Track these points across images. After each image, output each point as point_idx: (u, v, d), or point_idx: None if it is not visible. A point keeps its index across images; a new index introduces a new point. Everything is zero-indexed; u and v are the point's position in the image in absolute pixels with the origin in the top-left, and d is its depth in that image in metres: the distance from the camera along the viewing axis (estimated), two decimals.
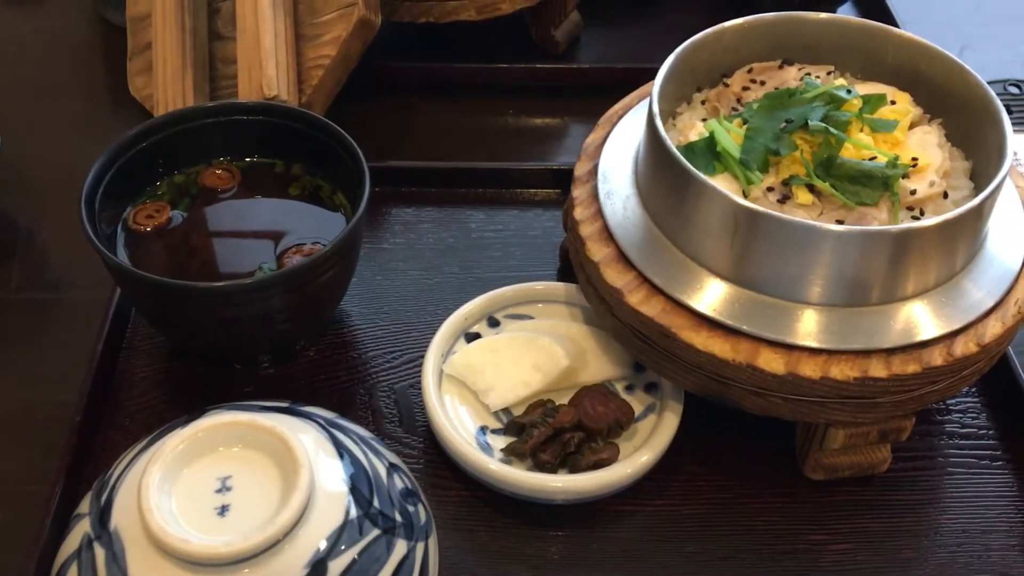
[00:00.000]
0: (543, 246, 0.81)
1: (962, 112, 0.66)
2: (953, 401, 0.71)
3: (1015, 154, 0.89)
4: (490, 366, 0.67)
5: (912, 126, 0.67)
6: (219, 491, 0.54)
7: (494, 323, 0.72)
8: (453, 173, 0.86)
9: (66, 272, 0.79)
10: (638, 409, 0.67)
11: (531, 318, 0.72)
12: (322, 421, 0.60)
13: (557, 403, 0.66)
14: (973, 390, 0.71)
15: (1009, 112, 0.92)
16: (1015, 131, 0.92)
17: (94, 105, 0.95)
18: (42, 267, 0.80)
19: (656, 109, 0.63)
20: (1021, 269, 0.62)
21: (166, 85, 0.84)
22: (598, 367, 0.69)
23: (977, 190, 0.64)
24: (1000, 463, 0.67)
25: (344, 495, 0.56)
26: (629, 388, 0.68)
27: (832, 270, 0.58)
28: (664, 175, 0.62)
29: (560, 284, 0.73)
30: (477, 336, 0.71)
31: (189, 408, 0.61)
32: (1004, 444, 0.68)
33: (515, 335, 0.69)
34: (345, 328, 0.75)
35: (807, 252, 0.57)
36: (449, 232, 0.82)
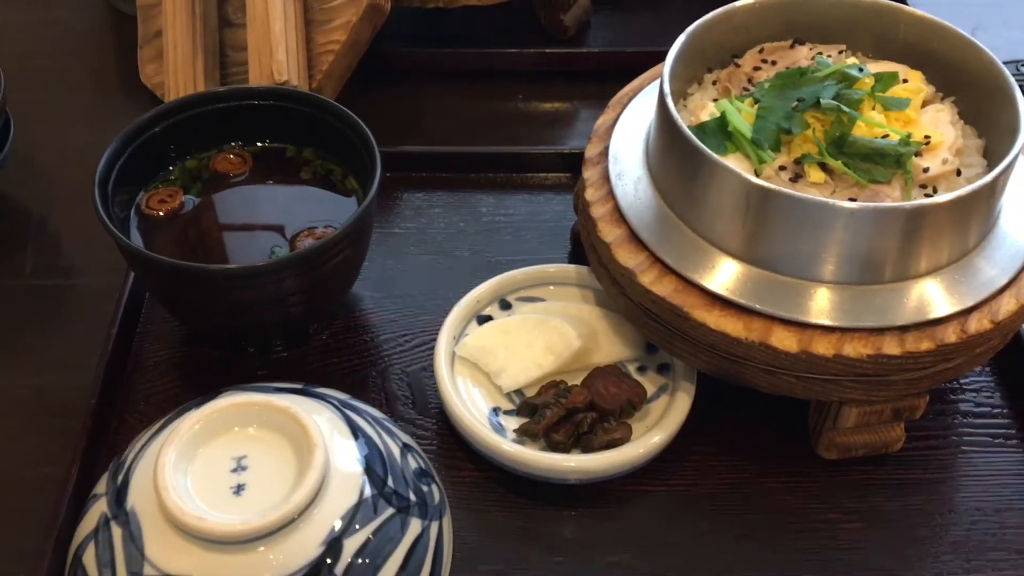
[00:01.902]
0: (554, 230, 0.81)
1: (975, 90, 0.66)
2: (967, 380, 0.71)
3: None
4: (502, 348, 0.67)
5: (925, 104, 0.67)
6: (234, 470, 0.54)
7: (506, 306, 0.72)
8: (463, 158, 0.86)
9: (79, 259, 0.80)
10: (650, 390, 0.67)
11: (543, 300, 0.72)
12: (336, 402, 0.61)
13: (569, 384, 0.66)
14: (987, 369, 0.71)
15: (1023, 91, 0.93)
16: None
17: (105, 94, 0.95)
18: (55, 254, 0.81)
19: (667, 88, 0.63)
20: None
21: (176, 72, 0.84)
22: (610, 348, 0.69)
23: (990, 168, 0.64)
24: (1015, 441, 0.67)
25: (358, 475, 0.56)
26: (641, 369, 0.69)
27: (845, 248, 0.58)
28: (675, 155, 0.62)
29: (571, 266, 0.73)
30: (489, 319, 0.71)
31: (203, 391, 0.62)
32: (1018, 423, 0.68)
33: (527, 317, 0.69)
34: (357, 312, 0.75)
35: (820, 230, 0.57)
36: (460, 216, 0.82)
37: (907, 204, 0.56)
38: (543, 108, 0.95)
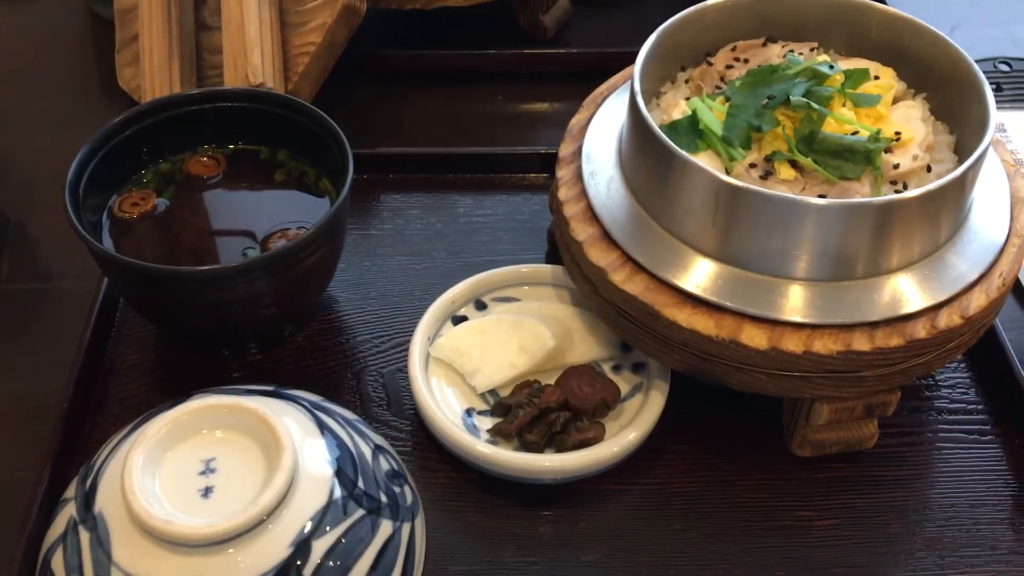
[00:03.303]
0: (531, 230, 0.81)
1: (946, 86, 0.66)
2: (941, 376, 0.71)
3: (1003, 128, 0.89)
4: (476, 348, 0.67)
5: (896, 101, 0.67)
6: (203, 473, 0.54)
7: (481, 306, 0.72)
8: (441, 158, 0.86)
9: (55, 263, 0.80)
10: (625, 389, 0.67)
11: (518, 300, 0.72)
12: (307, 404, 0.60)
13: (544, 384, 0.66)
14: (961, 365, 0.71)
15: (999, 89, 0.93)
16: (1007, 107, 0.93)
17: (83, 98, 0.95)
18: (32, 258, 0.81)
19: (638, 87, 0.63)
20: (1006, 242, 0.62)
21: (153, 75, 0.84)
22: (585, 348, 0.69)
23: (961, 163, 0.64)
24: (989, 438, 0.67)
25: (328, 476, 0.56)
26: (616, 368, 0.68)
27: (815, 244, 0.58)
28: (647, 154, 0.62)
29: (546, 266, 0.73)
30: (464, 319, 0.71)
31: (177, 394, 0.61)
32: (993, 419, 0.68)
33: (502, 317, 0.69)
34: (333, 314, 0.75)
35: (789, 227, 0.57)
36: (437, 217, 0.82)
37: (875, 200, 0.56)
38: (522, 109, 0.95)
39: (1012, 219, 0.64)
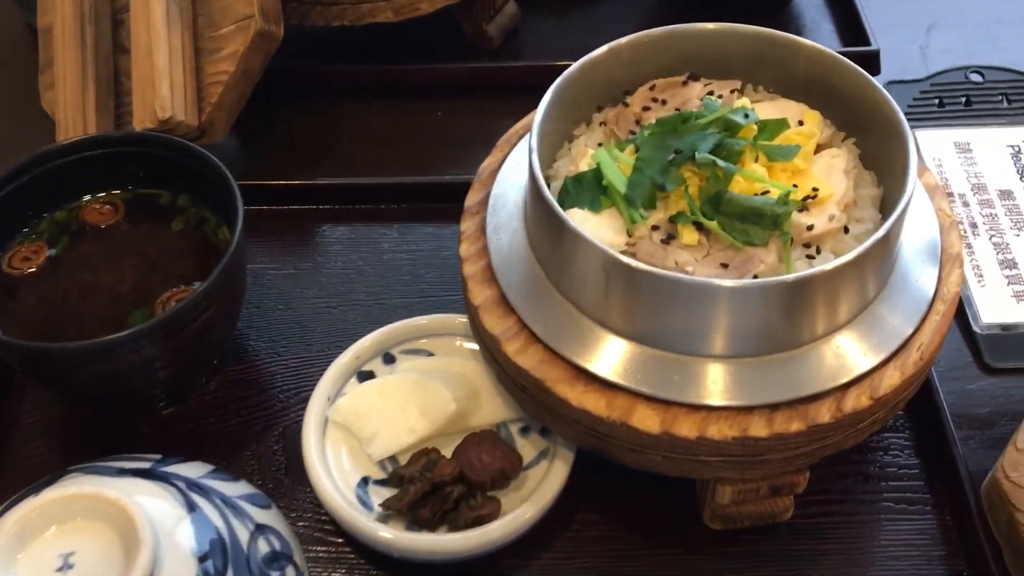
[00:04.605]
0: (456, 267, 0.77)
1: (873, 131, 0.61)
2: (874, 437, 0.67)
3: (968, 148, 0.83)
4: (376, 411, 0.64)
5: (821, 148, 0.62)
6: (60, 569, 0.52)
7: (389, 359, 0.69)
8: (366, 189, 0.82)
9: None
10: (530, 455, 0.64)
11: (428, 354, 0.69)
12: (183, 484, 0.58)
13: (444, 450, 0.63)
14: (898, 423, 0.67)
15: (968, 103, 0.87)
16: (974, 124, 0.87)
17: (8, 118, 0.93)
18: None
19: (535, 144, 0.59)
20: (929, 308, 0.58)
21: (66, 104, 0.80)
22: (491, 409, 0.65)
23: (885, 220, 0.59)
24: (918, 507, 0.63)
25: (192, 567, 0.53)
26: (524, 431, 0.65)
27: (709, 323, 0.54)
28: (542, 217, 0.58)
29: (457, 317, 0.69)
30: (371, 375, 0.68)
31: (76, 456, 0.60)
32: (927, 485, 0.64)
33: (404, 377, 0.66)
34: (245, 363, 0.72)
35: (682, 305, 0.53)
36: (359, 253, 0.79)
37: (760, 282, 0.52)
38: (466, 127, 0.91)
39: (940, 280, 0.59)
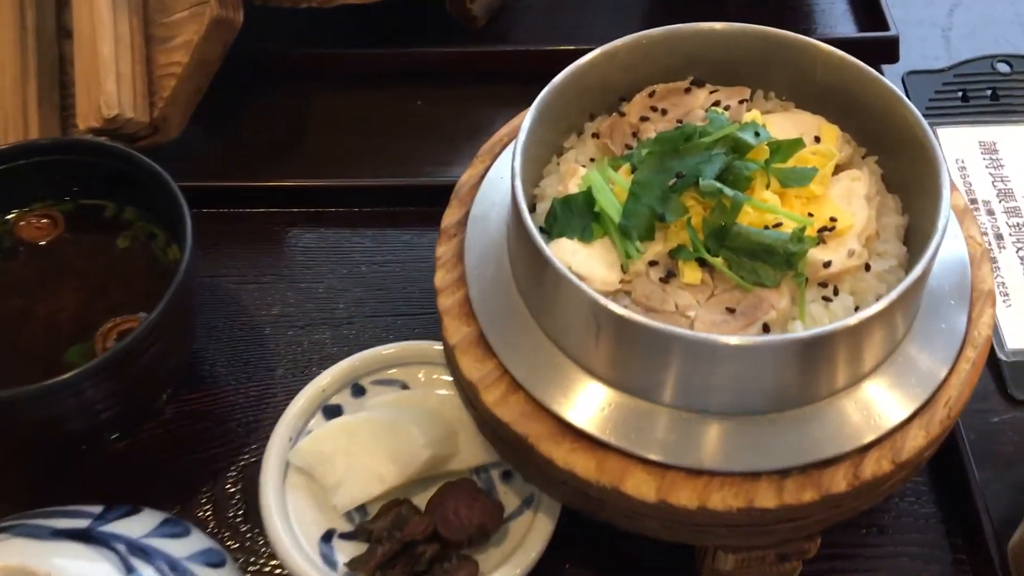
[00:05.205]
0: None
1: (898, 150, 0.54)
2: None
3: (994, 149, 0.76)
4: (341, 455, 0.58)
5: (840, 169, 0.55)
6: None
7: (359, 391, 0.63)
8: (336, 192, 0.75)
9: None
10: (512, 503, 0.58)
11: (403, 384, 0.63)
12: (124, 547, 0.52)
13: (417, 499, 0.57)
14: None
15: (995, 97, 0.80)
16: (1002, 121, 0.80)
17: None
18: None
19: (519, 167, 0.52)
20: (958, 355, 0.51)
21: (4, 97, 0.73)
22: (470, 452, 0.59)
23: (912, 254, 0.53)
24: (937, 566, 0.58)
25: None
26: (506, 476, 0.59)
27: (708, 380, 0.48)
28: (526, 249, 0.52)
29: (434, 344, 0.63)
30: (337, 409, 0.62)
31: (13, 495, 0.55)
32: (947, 540, 0.59)
33: (374, 417, 0.60)
34: (201, 392, 0.66)
35: (678, 360, 0.47)
36: (329, 265, 0.72)
37: (778, 339, 0.46)
38: (447, 116, 0.83)
39: (969, 321, 0.53)
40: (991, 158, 0.75)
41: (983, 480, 0.60)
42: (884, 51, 0.81)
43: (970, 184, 0.74)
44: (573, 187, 0.55)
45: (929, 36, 0.87)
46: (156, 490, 0.61)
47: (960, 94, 0.79)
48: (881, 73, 0.55)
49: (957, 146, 0.76)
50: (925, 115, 0.51)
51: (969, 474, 0.59)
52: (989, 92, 0.80)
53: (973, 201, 0.73)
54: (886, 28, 0.82)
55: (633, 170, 0.54)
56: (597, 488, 0.49)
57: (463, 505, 0.56)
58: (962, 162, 0.75)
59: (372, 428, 0.59)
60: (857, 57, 0.56)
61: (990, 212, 0.73)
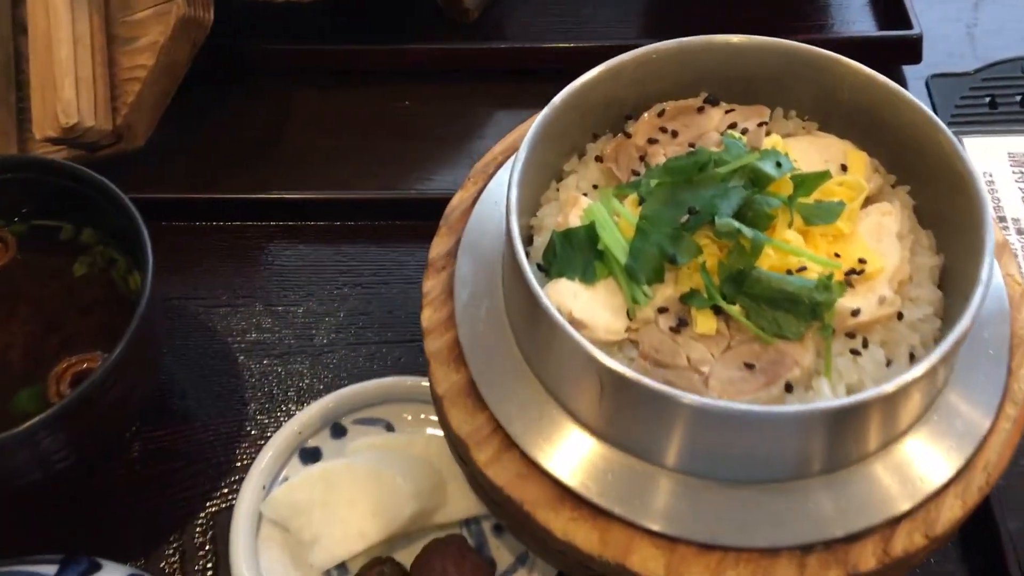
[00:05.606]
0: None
1: (932, 180, 0.49)
2: None
3: (1019, 160, 0.71)
4: (319, 507, 0.53)
5: (869, 200, 0.50)
6: None
7: (339, 431, 0.58)
8: (316, 206, 0.70)
9: None
10: (506, 561, 0.54)
11: (387, 425, 0.58)
12: None
13: (401, 556, 0.53)
14: None
15: None
16: None
17: None
18: None
19: (513, 203, 0.47)
20: (997, 414, 0.47)
21: None
22: (460, 502, 0.55)
23: (949, 299, 0.48)
24: None
25: None
26: (498, 529, 0.55)
27: (723, 447, 0.43)
28: (520, 290, 0.46)
29: (422, 381, 0.58)
30: (316, 453, 0.57)
31: None
32: None
33: (355, 465, 0.55)
34: (168, 428, 0.61)
35: (690, 426, 0.42)
36: (308, 287, 0.67)
37: (804, 409, 0.41)
38: (437, 117, 0.78)
39: (1010, 373, 0.48)
40: (1021, 171, 0.70)
41: (1015, 530, 0.55)
42: (907, 51, 0.76)
43: (998, 200, 0.69)
44: (574, 218, 0.50)
45: (952, 33, 0.81)
46: (120, 539, 0.57)
47: (988, 100, 0.74)
48: (903, 76, 0.49)
49: (984, 158, 0.71)
50: (950, 124, 0.46)
51: (1000, 526, 0.55)
52: (1019, 98, 0.74)
53: (1002, 219, 0.68)
54: (909, 26, 0.77)
55: (641, 201, 0.49)
56: (600, 562, 0.45)
57: (451, 564, 0.51)
58: (990, 175, 0.70)
59: (353, 476, 0.54)
60: (878, 57, 0.51)
61: (1020, 231, 0.68)
